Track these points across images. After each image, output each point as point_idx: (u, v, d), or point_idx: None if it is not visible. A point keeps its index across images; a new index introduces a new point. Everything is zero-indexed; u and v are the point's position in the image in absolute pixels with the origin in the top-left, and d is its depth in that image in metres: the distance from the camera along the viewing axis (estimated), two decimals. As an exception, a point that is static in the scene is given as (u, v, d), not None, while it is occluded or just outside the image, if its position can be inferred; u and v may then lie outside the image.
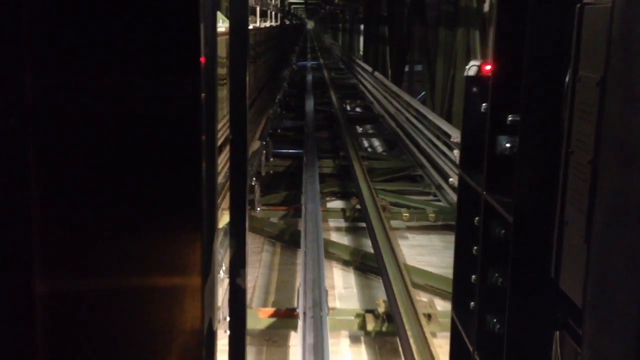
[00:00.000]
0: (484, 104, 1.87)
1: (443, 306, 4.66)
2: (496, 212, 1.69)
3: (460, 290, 2.07)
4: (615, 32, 1.05)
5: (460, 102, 8.28)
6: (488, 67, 2.01)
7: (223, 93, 3.38)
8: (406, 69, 13.68)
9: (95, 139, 1.00)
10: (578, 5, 1.30)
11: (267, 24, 15.12)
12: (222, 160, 4.06)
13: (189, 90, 1.28)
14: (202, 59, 1.24)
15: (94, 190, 0.99)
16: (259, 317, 4.48)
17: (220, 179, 3.96)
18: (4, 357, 0.74)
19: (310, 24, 55.16)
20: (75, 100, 0.94)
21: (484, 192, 1.79)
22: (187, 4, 1.10)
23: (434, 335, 4.11)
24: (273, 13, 16.93)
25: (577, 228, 1.22)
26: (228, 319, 1.89)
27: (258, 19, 12.21)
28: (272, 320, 4.46)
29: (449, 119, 8.35)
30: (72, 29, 0.93)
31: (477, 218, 1.87)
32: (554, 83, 1.47)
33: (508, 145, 1.73)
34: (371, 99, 14.25)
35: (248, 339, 5.12)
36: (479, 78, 2.03)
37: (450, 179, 5.96)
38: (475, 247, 1.90)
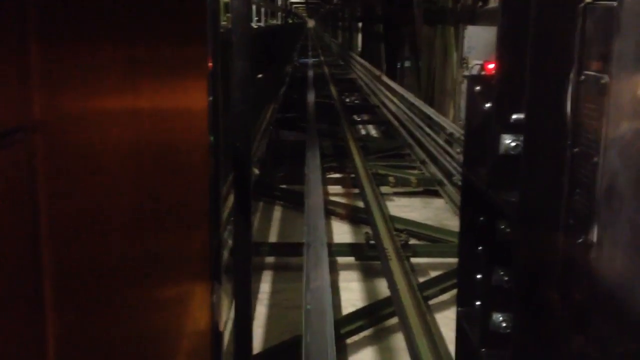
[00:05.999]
0: (486, 104, 1.87)
1: (417, 242, 5.91)
2: (501, 211, 1.69)
3: (465, 288, 2.07)
4: (620, 32, 1.04)
5: (439, 89, 8.60)
6: (491, 66, 2.01)
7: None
8: (398, 65, 14.48)
9: (106, 140, 1.00)
10: (581, 4, 1.29)
11: (273, 22, 15.73)
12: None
13: (197, 95, 1.29)
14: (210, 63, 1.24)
15: (104, 191, 0.99)
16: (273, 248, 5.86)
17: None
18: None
19: (310, 23, 55.09)
20: (85, 113, 0.94)
21: (489, 191, 1.79)
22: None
23: (407, 259, 5.23)
24: (278, 13, 17.41)
25: (583, 229, 1.22)
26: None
27: (263, 18, 12.63)
28: (284, 249, 5.84)
29: (431, 104, 9.53)
30: (77, 28, 0.93)
31: (481, 217, 1.87)
32: (558, 81, 1.47)
33: (512, 143, 1.73)
34: (367, 91, 14.97)
35: (265, 264, 5.66)
36: (481, 77, 2.03)
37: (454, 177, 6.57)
38: (479, 247, 1.91)
